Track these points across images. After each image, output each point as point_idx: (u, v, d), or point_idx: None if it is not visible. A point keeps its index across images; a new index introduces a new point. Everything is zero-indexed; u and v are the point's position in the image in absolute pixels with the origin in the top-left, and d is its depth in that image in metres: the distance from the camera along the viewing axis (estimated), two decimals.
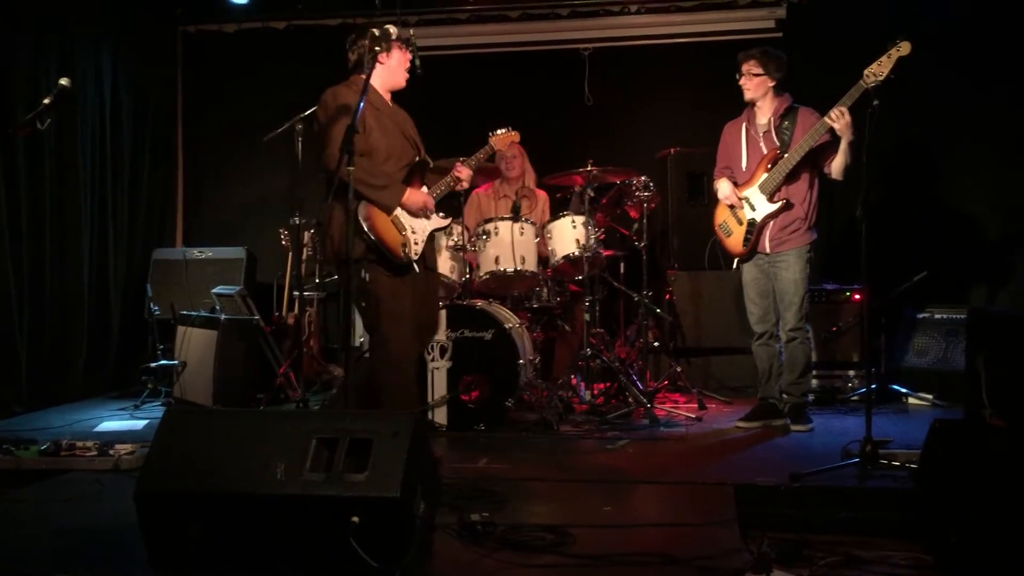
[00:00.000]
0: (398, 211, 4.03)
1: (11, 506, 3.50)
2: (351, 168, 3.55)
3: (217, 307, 5.75)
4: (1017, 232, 6.12)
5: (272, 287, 6.58)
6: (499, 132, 4.71)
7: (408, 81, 4.15)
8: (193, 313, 5.82)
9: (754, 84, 4.71)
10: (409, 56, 4.08)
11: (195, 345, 5.62)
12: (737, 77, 4.75)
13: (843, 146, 4.50)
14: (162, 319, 6.08)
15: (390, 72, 4.10)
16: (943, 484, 2.95)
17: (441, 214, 4.24)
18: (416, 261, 4.06)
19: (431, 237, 4.21)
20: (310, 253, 6.03)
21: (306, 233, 5.94)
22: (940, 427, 3.05)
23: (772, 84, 4.72)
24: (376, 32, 3.88)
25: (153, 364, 5.89)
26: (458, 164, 4.32)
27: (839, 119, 4.35)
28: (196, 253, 6.59)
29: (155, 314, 6.09)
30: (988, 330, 2.73)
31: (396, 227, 4.02)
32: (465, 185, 4.41)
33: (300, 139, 5.29)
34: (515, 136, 4.77)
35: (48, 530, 3.13)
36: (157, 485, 2.73)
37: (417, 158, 4.17)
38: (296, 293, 5.91)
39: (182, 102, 7.37)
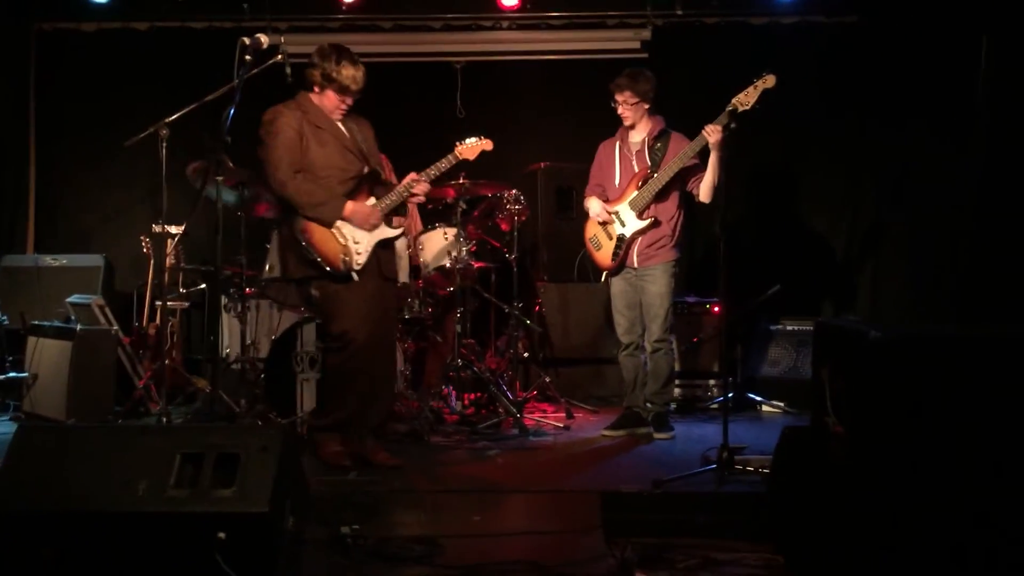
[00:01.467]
0: (339, 223, 4.08)
1: None
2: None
3: (72, 317, 5.49)
4: (862, 249, 6.54)
5: (132, 296, 6.33)
6: (468, 141, 4.50)
7: (280, 89, 4.11)
8: (45, 323, 5.54)
9: (632, 111, 4.86)
10: (347, 102, 4.15)
11: (47, 357, 5.36)
12: (613, 104, 4.89)
13: (712, 161, 4.68)
14: (11, 329, 5.77)
15: (321, 101, 4.18)
16: (791, 488, 3.13)
17: (395, 223, 4.26)
18: (360, 271, 4.08)
19: (388, 246, 4.24)
20: (173, 262, 5.84)
21: (170, 241, 5.75)
22: (789, 434, 3.24)
23: (647, 107, 4.89)
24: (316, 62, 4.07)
25: (0, 376, 5.58)
26: (413, 175, 4.29)
27: (714, 133, 4.54)
28: (49, 260, 6.30)
29: (3, 323, 5.77)
30: (831, 341, 2.92)
31: (336, 238, 4.06)
32: (421, 199, 4.41)
33: (164, 144, 5.11)
34: (487, 145, 4.53)
35: None
36: (9, 505, 2.61)
37: (366, 170, 4.20)
38: (159, 303, 5.72)
39: (35, 103, 7.02)
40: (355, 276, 4.07)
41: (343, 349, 4.10)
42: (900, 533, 2.53)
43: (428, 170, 4.32)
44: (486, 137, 4.53)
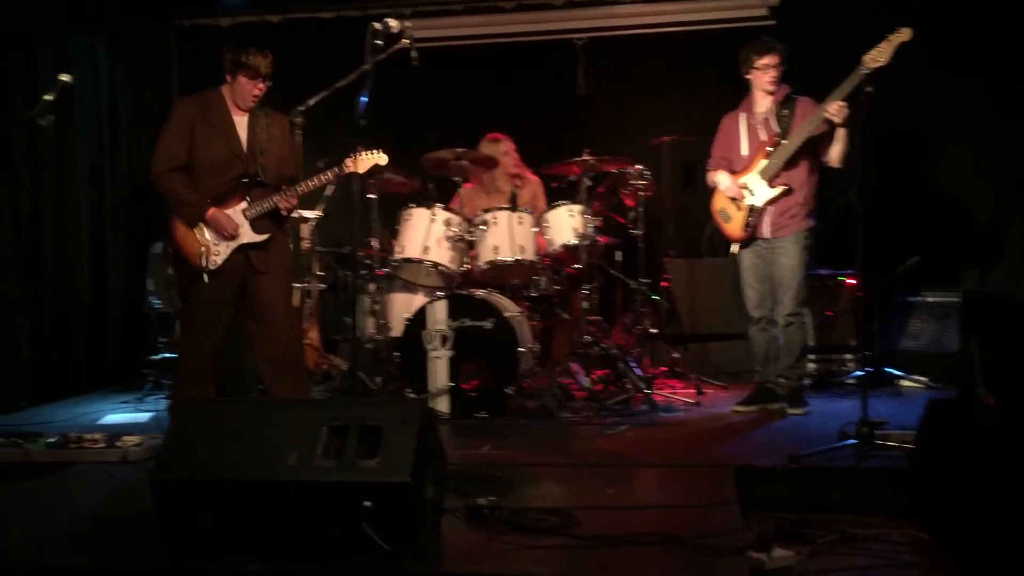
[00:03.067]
0: (201, 225, 4.25)
1: (23, 497, 3.54)
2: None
3: None
4: (1006, 216, 6.20)
5: None
6: (361, 155, 4.41)
7: (404, 72, 4.20)
8: None
9: (776, 74, 4.75)
10: (259, 86, 4.29)
11: None
12: (751, 71, 4.78)
13: (840, 133, 4.55)
14: (163, 312, 6.12)
15: (233, 92, 4.34)
16: (938, 462, 3.02)
17: (259, 227, 4.28)
18: (215, 273, 4.24)
19: (264, 247, 4.30)
20: (309, 245, 6.06)
21: (303, 226, 5.97)
22: (935, 406, 3.13)
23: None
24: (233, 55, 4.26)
25: (155, 357, 5.93)
26: (284, 189, 4.30)
27: (838, 113, 4.40)
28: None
29: (155, 307, 6.12)
30: (982, 311, 2.80)
31: (196, 237, 4.25)
32: (284, 213, 4.38)
33: (299, 133, 5.30)
34: (381, 159, 4.46)
35: (62, 519, 3.18)
36: (171, 474, 2.78)
37: (244, 176, 4.28)
38: (296, 285, 5.94)
39: (178, 96, 7.38)
40: (205, 277, 4.23)
41: (191, 341, 4.38)
42: None
43: (305, 182, 4.33)
44: (382, 151, 4.46)
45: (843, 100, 4.41)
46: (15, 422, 4.90)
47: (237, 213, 4.27)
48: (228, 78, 4.34)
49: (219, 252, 4.26)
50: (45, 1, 5.83)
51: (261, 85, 4.32)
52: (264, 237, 4.31)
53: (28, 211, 5.63)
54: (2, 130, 5.28)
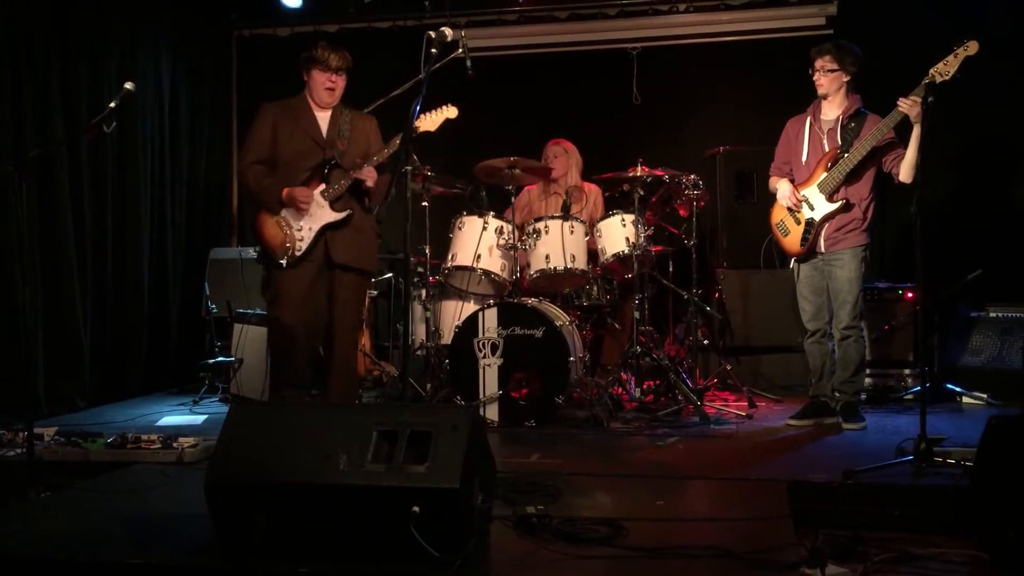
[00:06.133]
0: (284, 212, 4.41)
1: (82, 496, 3.62)
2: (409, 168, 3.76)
3: None
4: None
5: None
6: (430, 112, 4.52)
7: (459, 81, 4.22)
8: (249, 311, 5.94)
9: (828, 80, 4.66)
10: (331, 78, 4.45)
11: (251, 342, 5.74)
12: (810, 73, 4.71)
13: (914, 136, 4.37)
14: (219, 317, 6.22)
15: (311, 89, 4.53)
16: (999, 480, 2.94)
17: (339, 207, 4.42)
18: (300, 258, 4.38)
19: (343, 228, 4.43)
20: None
21: None
22: (997, 423, 3.04)
23: (847, 79, 4.67)
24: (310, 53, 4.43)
25: (211, 360, 6.02)
26: (358, 162, 4.45)
27: (913, 106, 4.27)
28: (251, 252, 6.67)
29: (212, 312, 6.23)
30: None
31: (280, 227, 4.40)
32: (369, 184, 4.44)
33: None
34: (450, 112, 4.55)
35: (119, 518, 3.24)
36: (225, 475, 2.82)
37: (323, 163, 4.42)
38: None
39: (237, 104, 7.53)
40: (284, 262, 4.36)
41: (274, 332, 4.55)
42: None
43: (380, 151, 4.46)
44: (451, 105, 4.55)
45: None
46: (75, 422, 5.02)
47: (316, 195, 4.41)
48: (305, 77, 4.52)
49: (302, 237, 4.38)
50: (112, 6, 5.97)
51: (334, 77, 4.45)
52: (344, 214, 4.42)
53: (91, 216, 5.76)
54: (69, 136, 5.42)
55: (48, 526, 3.21)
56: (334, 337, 4.53)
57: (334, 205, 4.42)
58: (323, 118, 4.54)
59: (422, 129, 4.47)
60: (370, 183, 4.46)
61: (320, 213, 4.41)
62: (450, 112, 4.57)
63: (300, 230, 4.39)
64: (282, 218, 4.40)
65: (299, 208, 4.37)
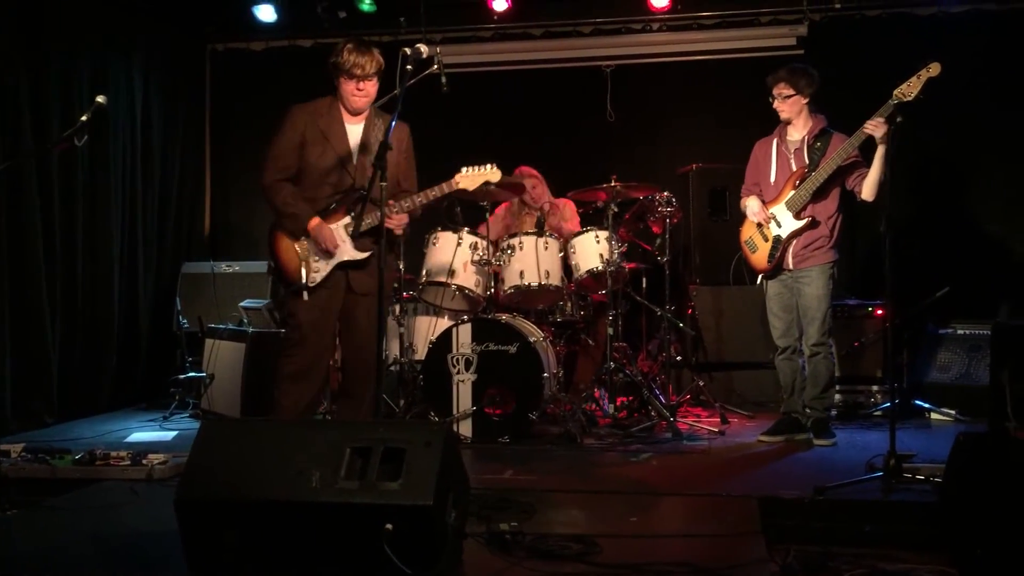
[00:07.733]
0: (306, 240, 4.06)
1: (50, 513, 3.57)
2: (383, 184, 3.61)
3: (245, 320, 5.82)
4: None
5: None
6: (469, 170, 4.20)
7: (434, 98, 4.23)
8: (221, 326, 5.90)
9: (788, 105, 4.74)
10: (359, 86, 4.03)
11: (223, 358, 5.70)
12: (770, 100, 4.78)
13: (878, 156, 4.44)
14: (190, 332, 6.18)
15: (341, 96, 4.12)
16: (968, 497, 2.97)
17: (360, 246, 4.07)
18: (314, 287, 4.04)
19: (363, 267, 4.10)
20: None
21: None
22: (965, 440, 3.08)
23: (805, 102, 4.75)
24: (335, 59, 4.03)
25: (181, 376, 5.97)
26: (390, 205, 4.02)
27: (878, 127, 4.34)
28: (224, 267, 6.67)
29: (183, 327, 6.18)
30: (1012, 344, 2.76)
31: (298, 254, 4.06)
32: (397, 231, 4.13)
33: None
34: (493, 176, 4.20)
35: (87, 536, 3.20)
36: (196, 492, 2.79)
37: (351, 190, 4.08)
38: None
39: (210, 118, 7.49)
40: (305, 295, 4.03)
41: (286, 354, 4.13)
42: None
43: (412, 198, 4.10)
44: (495, 166, 4.19)
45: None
46: (43, 438, 4.96)
47: (339, 229, 4.08)
48: (335, 82, 4.11)
49: (319, 269, 4.06)
50: (84, 20, 5.93)
51: (362, 85, 4.04)
52: (365, 255, 4.09)
53: (61, 230, 5.70)
54: (39, 149, 5.37)
55: (15, 545, 3.16)
56: (350, 360, 4.25)
57: (356, 242, 4.08)
58: (354, 131, 4.14)
59: (460, 187, 4.15)
60: (399, 232, 4.16)
61: (341, 248, 4.08)
62: (493, 175, 4.20)
63: (318, 261, 4.06)
64: (302, 245, 4.06)
65: (324, 249, 4.07)
